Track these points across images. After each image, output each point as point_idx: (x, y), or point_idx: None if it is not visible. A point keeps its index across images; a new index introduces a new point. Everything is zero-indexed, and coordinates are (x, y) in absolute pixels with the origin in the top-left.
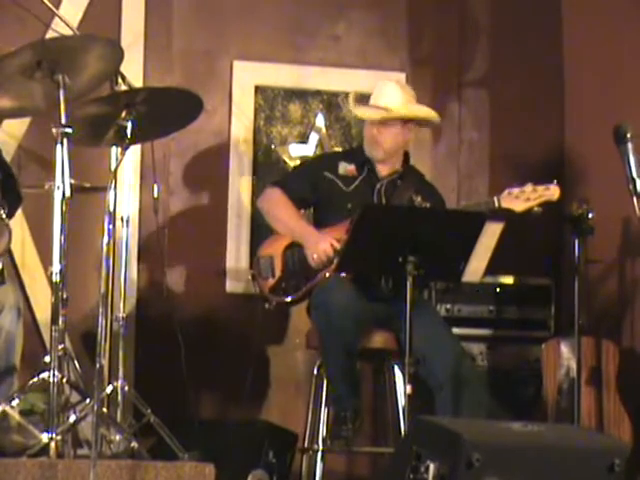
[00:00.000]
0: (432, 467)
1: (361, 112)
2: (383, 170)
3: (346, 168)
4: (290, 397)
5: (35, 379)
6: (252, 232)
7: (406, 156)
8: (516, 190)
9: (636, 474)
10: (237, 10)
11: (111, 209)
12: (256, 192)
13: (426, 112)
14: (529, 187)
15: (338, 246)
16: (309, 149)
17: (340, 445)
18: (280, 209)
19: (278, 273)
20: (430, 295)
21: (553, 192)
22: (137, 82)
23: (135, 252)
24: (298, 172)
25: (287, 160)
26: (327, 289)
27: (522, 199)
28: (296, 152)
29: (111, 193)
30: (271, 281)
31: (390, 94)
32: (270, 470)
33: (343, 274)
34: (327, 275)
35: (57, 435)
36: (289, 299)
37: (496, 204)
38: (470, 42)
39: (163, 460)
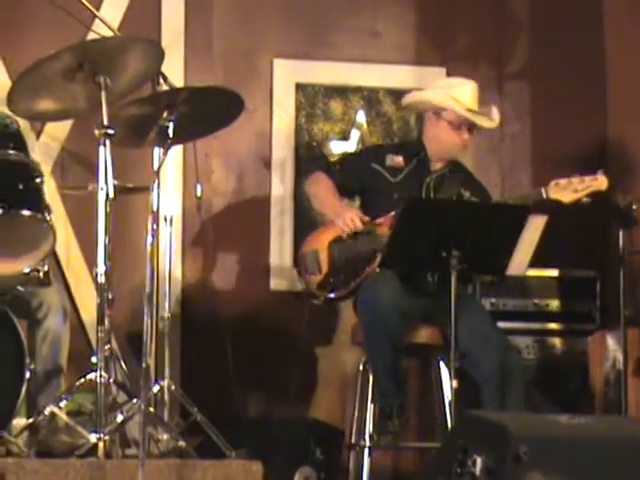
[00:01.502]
0: (479, 461)
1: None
2: (437, 165)
3: (393, 159)
4: (336, 394)
5: (82, 380)
6: (295, 229)
7: None
8: (563, 181)
9: None
10: (276, 8)
11: (154, 209)
12: (298, 190)
13: None
14: (576, 178)
15: (365, 218)
16: (351, 146)
17: (387, 440)
18: (320, 188)
19: (325, 268)
20: (475, 289)
21: (601, 182)
22: (178, 82)
23: (179, 251)
24: (345, 161)
25: (329, 157)
26: (373, 284)
27: (570, 190)
28: (338, 149)
29: (154, 193)
30: (318, 277)
31: (477, 97)
32: (317, 467)
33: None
34: (374, 270)
35: (105, 435)
36: (337, 295)
37: (544, 195)
38: (509, 35)
39: (210, 459)
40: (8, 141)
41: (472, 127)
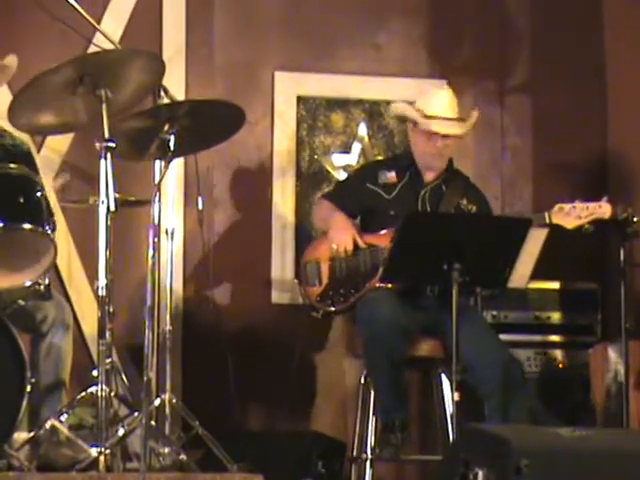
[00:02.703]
0: (481, 474)
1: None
2: (429, 176)
3: (386, 176)
4: (338, 407)
5: (83, 393)
6: (297, 243)
7: (450, 160)
8: (567, 206)
9: None
10: (277, 21)
11: (156, 222)
12: (300, 202)
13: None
14: (580, 203)
15: (360, 242)
16: (352, 158)
17: (389, 453)
18: (324, 210)
19: (325, 280)
20: (476, 302)
21: (605, 210)
22: (179, 95)
23: (180, 264)
24: (342, 187)
25: (330, 170)
26: (372, 301)
27: (573, 216)
28: (339, 162)
29: (156, 206)
30: (318, 288)
31: (450, 103)
32: None
33: (388, 284)
34: (375, 285)
35: (106, 449)
36: (337, 309)
37: (547, 219)
38: (511, 48)
39: (212, 472)
40: (19, 161)
41: (446, 135)
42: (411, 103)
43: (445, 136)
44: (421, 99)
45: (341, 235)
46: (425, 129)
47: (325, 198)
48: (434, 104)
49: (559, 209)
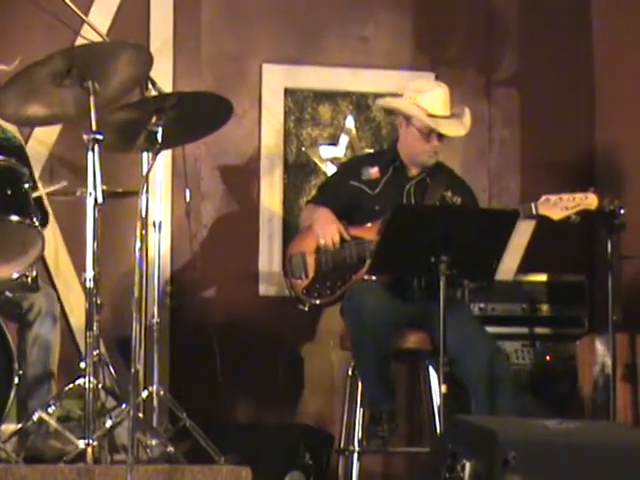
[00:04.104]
0: (468, 466)
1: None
2: (414, 170)
3: (369, 172)
4: (326, 399)
5: (71, 385)
6: (284, 235)
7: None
8: (554, 197)
9: None
10: (265, 13)
11: (143, 214)
12: (287, 195)
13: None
14: (567, 195)
15: (345, 235)
16: (339, 151)
17: (376, 445)
18: (308, 212)
19: (311, 273)
20: (463, 294)
21: (591, 201)
22: (167, 87)
23: (168, 256)
24: (325, 190)
25: (318, 162)
26: (359, 293)
27: (560, 207)
28: (326, 154)
29: (143, 198)
30: (304, 281)
31: (447, 101)
32: (307, 472)
33: (375, 277)
34: (361, 277)
35: (94, 441)
36: (323, 301)
37: (533, 211)
38: (499, 41)
39: (199, 464)
40: (11, 154)
41: (446, 134)
42: (398, 96)
43: (441, 135)
44: (419, 96)
45: (327, 228)
46: (428, 128)
47: (310, 204)
48: (434, 102)
49: (545, 200)
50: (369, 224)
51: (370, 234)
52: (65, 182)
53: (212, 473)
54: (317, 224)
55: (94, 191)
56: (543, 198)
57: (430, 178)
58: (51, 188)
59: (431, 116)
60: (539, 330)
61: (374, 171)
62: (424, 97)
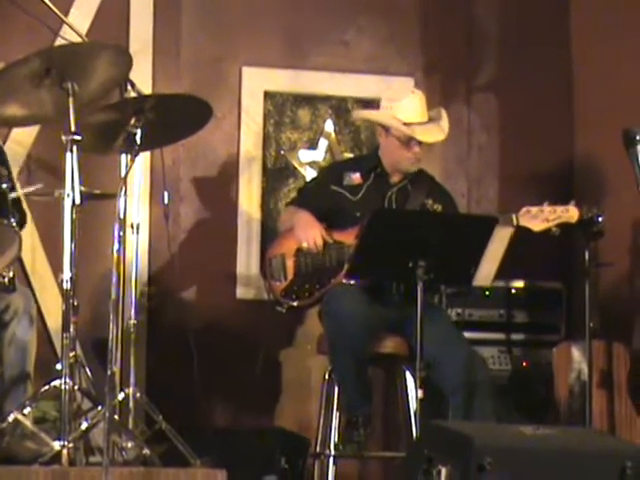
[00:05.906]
0: (444, 471)
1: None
2: (396, 177)
3: (351, 177)
4: (302, 403)
5: (47, 387)
6: (262, 238)
7: None
8: (534, 209)
9: None
10: (245, 16)
11: (121, 216)
12: (266, 198)
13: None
14: (548, 207)
15: (327, 238)
16: (318, 155)
17: (352, 450)
18: (288, 214)
19: (290, 276)
20: (441, 299)
21: (572, 214)
22: (146, 89)
23: (146, 259)
24: (305, 192)
25: (297, 166)
26: (337, 296)
27: (540, 219)
28: (306, 158)
29: (121, 200)
30: (283, 283)
31: (423, 106)
32: (282, 476)
33: (353, 281)
34: (339, 281)
35: (69, 443)
36: (301, 303)
37: (514, 222)
38: (478, 47)
39: (175, 467)
40: None
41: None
42: (375, 106)
43: (421, 142)
44: (395, 106)
45: (309, 231)
46: (407, 136)
47: (290, 205)
48: (410, 110)
49: (526, 212)
50: (347, 231)
51: (351, 238)
52: (40, 185)
53: (188, 476)
54: (299, 227)
55: (72, 192)
56: (524, 209)
57: (411, 185)
58: (29, 189)
59: (408, 124)
60: (516, 336)
61: (356, 177)
62: (400, 106)
